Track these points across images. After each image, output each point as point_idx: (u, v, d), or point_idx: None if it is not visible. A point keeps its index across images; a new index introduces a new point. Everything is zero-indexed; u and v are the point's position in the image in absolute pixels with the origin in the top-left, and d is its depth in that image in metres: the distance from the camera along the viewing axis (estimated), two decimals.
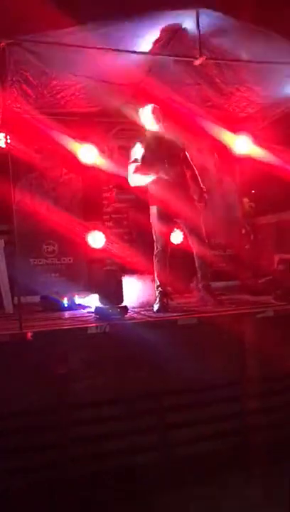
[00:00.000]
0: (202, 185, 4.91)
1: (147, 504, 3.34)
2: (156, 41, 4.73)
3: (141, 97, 5.49)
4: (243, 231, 6.98)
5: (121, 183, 6.27)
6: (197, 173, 4.94)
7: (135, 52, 4.70)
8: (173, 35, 4.78)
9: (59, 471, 3.59)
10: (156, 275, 4.84)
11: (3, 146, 5.26)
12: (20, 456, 3.54)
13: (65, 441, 3.67)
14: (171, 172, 4.74)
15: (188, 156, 4.95)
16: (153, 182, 4.78)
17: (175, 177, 4.77)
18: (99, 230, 6.14)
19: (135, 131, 5.18)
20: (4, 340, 3.68)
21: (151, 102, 4.95)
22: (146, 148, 4.73)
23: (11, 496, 3.33)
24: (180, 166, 4.86)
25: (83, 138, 6.06)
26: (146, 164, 4.68)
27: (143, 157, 4.69)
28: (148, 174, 4.69)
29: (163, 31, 4.66)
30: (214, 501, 3.28)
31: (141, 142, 4.79)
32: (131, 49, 4.61)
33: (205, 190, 4.91)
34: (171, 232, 4.99)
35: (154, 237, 4.87)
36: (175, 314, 4.39)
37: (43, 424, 3.62)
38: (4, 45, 3.98)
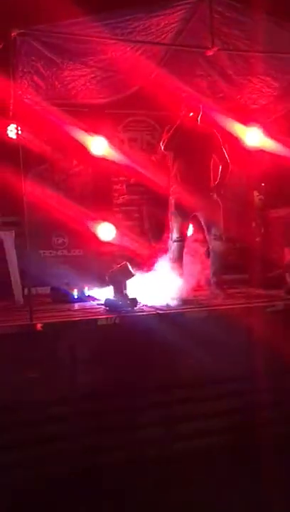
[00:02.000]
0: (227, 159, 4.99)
1: (149, 500, 3.31)
2: (168, 31, 4.69)
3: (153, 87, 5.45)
4: (253, 224, 6.93)
5: (132, 175, 6.30)
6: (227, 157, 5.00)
7: (147, 42, 4.68)
8: (185, 25, 4.74)
9: (62, 464, 3.59)
10: (170, 267, 4.83)
11: (14, 137, 5.26)
12: (26, 449, 3.55)
13: (72, 433, 3.67)
14: (195, 165, 4.75)
15: (225, 152, 4.97)
16: (175, 173, 4.80)
17: (199, 170, 4.77)
18: (110, 222, 6.12)
19: (145, 123, 5.14)
20: (15, 331, 3.70)
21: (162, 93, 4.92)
22: (179, 132, 4.76)
23: (12, 491, 3.34)
24: (207, 161, 4.86)
25: (94, 129, 6.04)
26: (171, 147, 4.81)
27: (172, 138, 4.76)
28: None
29: (175, 21, 4.61)
30: (218, 497, 3.25)
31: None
32: (142, 39, 4.57)
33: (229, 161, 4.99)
34: (188, 224, 4.96)
35: (171, 228, 4.85)
36: (185, 307, 4.38)
37: (50, 416, 3.63)
38: (15, 36, 3.97)
